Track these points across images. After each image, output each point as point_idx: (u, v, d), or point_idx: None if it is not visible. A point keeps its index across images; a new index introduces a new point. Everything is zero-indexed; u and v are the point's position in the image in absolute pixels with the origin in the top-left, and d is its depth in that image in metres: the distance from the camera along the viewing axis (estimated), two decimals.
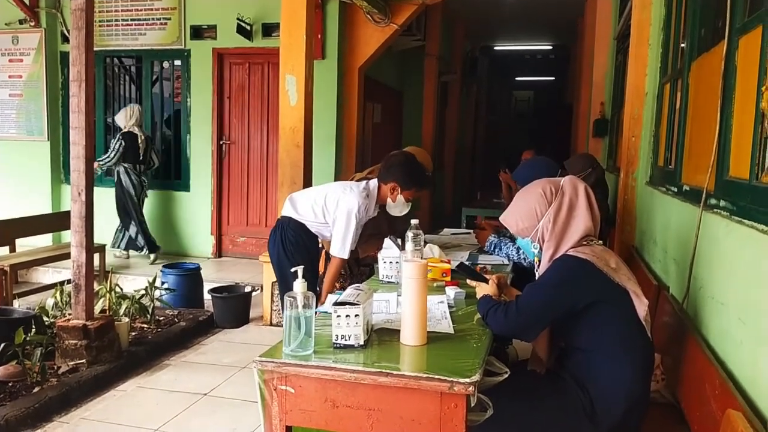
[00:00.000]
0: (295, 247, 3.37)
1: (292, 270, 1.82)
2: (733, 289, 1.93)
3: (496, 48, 13.67)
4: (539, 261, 2.22)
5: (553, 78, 16.76)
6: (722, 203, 2.18)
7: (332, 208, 3.31)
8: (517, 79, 18.13)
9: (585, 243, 2.11)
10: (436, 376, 1.65)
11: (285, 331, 1.80)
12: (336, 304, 1.85)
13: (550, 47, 13.36)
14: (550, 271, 2.10)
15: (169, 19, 7.15)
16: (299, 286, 1.78)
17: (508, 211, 2.29)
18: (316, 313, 2.23)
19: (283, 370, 1.74)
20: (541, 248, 2.18)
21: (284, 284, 3.46)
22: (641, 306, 2.03)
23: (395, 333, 1.97)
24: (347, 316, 1.83)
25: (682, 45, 3.17)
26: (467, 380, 1.63)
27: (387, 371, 1.68)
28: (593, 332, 2.04)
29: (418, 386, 1.65)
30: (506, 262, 3.30)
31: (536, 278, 2.23)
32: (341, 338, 1.85)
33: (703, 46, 2.71)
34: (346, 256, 3.28)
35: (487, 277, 2.47)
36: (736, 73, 2.15)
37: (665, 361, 2.44)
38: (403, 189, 3.35)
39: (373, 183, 3.41)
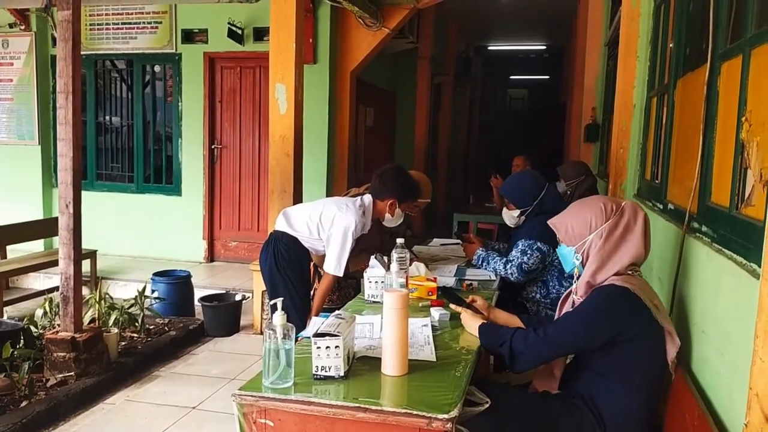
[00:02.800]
0: (288, 262, 3.37)
1: (271, 303, 1.82)
2: (713, 318, 1.93)
3: (490, 48, 13.66)
4: (578, 275, 2.16)
5: (547, 77, 16.76)
6: (704, 228, 2.18)
7: (327, 225, 3.31)
8: (511, 77, 18.12)
9: (630, 272, 2.08)
10: (415, 412, 1.65)
11: (264, 362, 1.80)
12: (316, 335, 1.85)
13: (544, 47, 13.36)
14: (593, 299, 2.04)
15: (160, 23, 7.12)
16: (278, 318, 1.78)
17: (560, 215, 2.25)
18: (298, 338, 2.24)
19: (262, 404, 1.74)
20: (582, 262, 2.14)
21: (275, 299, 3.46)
22: (673, 347, 2.01)
23: (377, 361, 1.96)
24: (327, 347, 1.83)
25: (670, 53, 3.16)
26: (445, 416, 1.63)
27: (365, 406, 1.67)
28: (622, 363, 2.01)
29: (396, 422, 1.65)
30: (493, 277, 3.30)
31: (573, 289, 2.17)
32: (321, 369, 1.84)
33: (688, 65, 2.70)
34: (341, 274, 3.29)
35: (470, 300, 2.48)
36: (718, 99, 2.15)
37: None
38: (400, 203, 3.39)
39: (368, 199, 3.41)
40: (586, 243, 2.12)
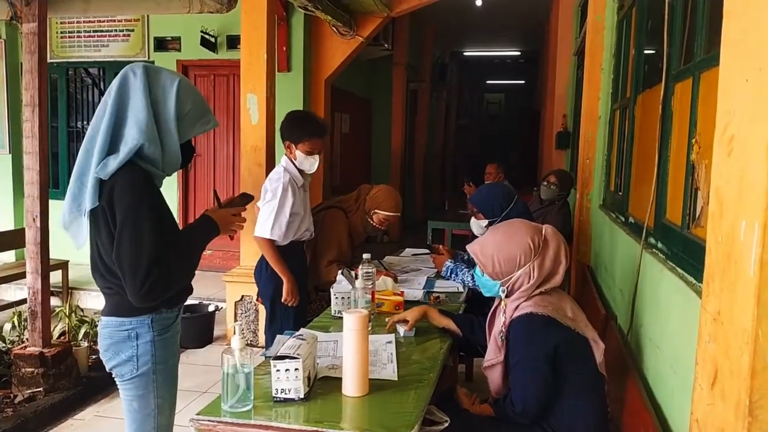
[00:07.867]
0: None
1: (231, 326, 1.82)
2: (667, 335, 1.97)
3: (466, 53, 13.75)
4: (503, 304, 2.19)
5: (523, 81, 16.91)
6: (659, 245, 2.22)
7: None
8: (488, 82, 18.25)
9: (542, 291, 2.11)
10: None
11: (223, 386, 1.80)
12: (275, 357, 1.86)
13: (519, 52, 13.48)
14: (519, 340, 2.07)
15: (132, 30, 7.07)
16: (236, 342, 1.79)
17: (485, 245, 2.18)
18: (265, 357, 2.25)
19: (221, 428, 1.74)
20: (507, 293, 2.14)
21: (278, 315, 3.47)
22: (598, 351, 2.08)
23: (339, 381, 1.97)
24: (287, 369, 1.84)
25: (631, 68, 3.21)
26: None
27: (323, 430, 1.69)
28: (565, 381, 2.06)
29: None
30: (461, 289, 3.33)
31: (502, 308, 2.19)
32: (281, 392, 1.85)
33: (646, 82, 2.76)
34: (267, 235, 3.29)
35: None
36: (672, 118, 2.20)
37: (610, 393, 2.49)
38: (296, 143, 3.34)
39: (282, 158, 3.44)
40: (512, 279, 2.11)
